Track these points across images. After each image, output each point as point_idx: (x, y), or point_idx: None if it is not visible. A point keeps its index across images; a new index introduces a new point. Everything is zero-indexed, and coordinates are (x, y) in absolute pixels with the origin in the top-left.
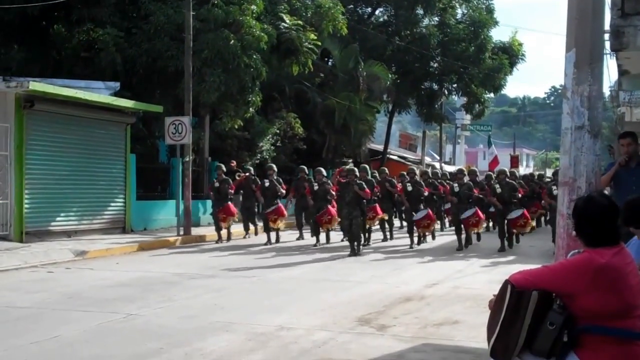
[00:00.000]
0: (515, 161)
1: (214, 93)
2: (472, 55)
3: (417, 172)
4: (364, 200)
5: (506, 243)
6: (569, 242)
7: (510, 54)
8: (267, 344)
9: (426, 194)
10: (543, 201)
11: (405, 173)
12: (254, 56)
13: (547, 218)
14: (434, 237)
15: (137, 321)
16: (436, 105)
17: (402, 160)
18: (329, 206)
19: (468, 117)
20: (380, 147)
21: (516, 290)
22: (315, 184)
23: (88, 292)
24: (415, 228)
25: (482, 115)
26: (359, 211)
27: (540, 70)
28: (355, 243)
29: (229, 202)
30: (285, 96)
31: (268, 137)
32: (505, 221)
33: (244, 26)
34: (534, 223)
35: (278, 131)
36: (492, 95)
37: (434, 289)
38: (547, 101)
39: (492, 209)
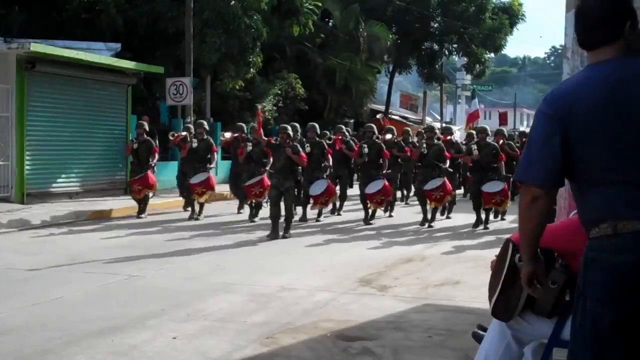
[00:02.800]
0: (503, 118)
1: (214, 54)
2: (472, 15)
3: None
4: (298, 167)
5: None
6: (571, 201)
7: (510, 14)
8: (268, 304)
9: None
10: None
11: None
12: (255, 17)
13: None
14: (390, 210)
15: (138, 283)
16: (437, 66)
17: (404, 121)
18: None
19: (469, 77)
20: (382, 108)
21: (518, 249)
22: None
23: (89, 254)
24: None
25: (482, 75)
26: (292, 181)
27: (540, 30)
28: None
29: (149, 171)
30: (286, 57)
31: (269, 98)
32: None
33: None
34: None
35: (279, 92)
36: (492, 55)
37: (434, 250)
38: (547, 61)
39: (469, 173)
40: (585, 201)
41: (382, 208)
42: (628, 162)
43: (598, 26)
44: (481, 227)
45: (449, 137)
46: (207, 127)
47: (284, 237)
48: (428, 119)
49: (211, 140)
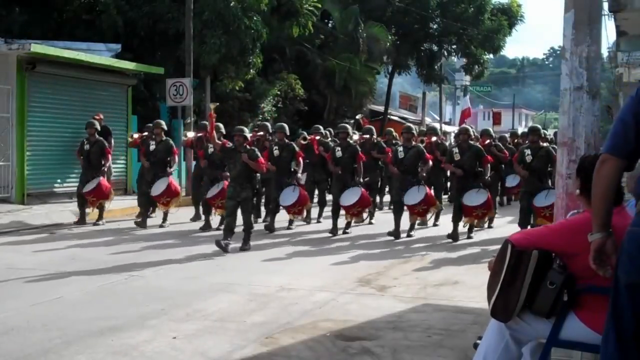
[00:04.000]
0: (497, 118)
1: (214, 55)
2: (471, 16)
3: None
4: (256, 174)
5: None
6: (568, 202)
7: (509, 15)
8: (268, 304)
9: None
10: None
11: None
12: (255, 18)
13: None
14: (370, 217)
15: (138, 283)
16: (436, 67)
17: (403, 121)
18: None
19: (467, 78)
20: (381, 108)
21: (516, 250)
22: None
23: (89, 254)
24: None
25: (481, 76)
26: (250, 190)
27: (538, 32)
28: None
29: (101, 179)
30: (285, 58)
31: (269, 99)
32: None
33: None
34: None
35: (279, 92)
36: (491, 56)
37: (433, 250)
38: (546, 62)
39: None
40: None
41: (360, 220)
42: None
43: None
44: (465, 239)
45: (433, 138)
46: (165, 127)
47: (242, 249)
48: (427, 119)
49: (171, 142)
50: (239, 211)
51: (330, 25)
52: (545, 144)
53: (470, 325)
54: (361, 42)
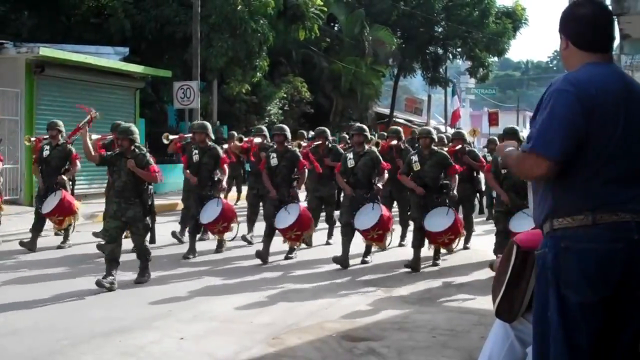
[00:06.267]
0: (493, 118)
1: (221, 58)
2: (476, 19)
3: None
4: (148, 186)
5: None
6: None
7: (513, 19)
8: (274, 305)
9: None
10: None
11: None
12: (261, 21)
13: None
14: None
15: (144, 284)
16: (441, 69)
17: (408, 124)
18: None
19: (472, 80)
20: (387, 111)
21: (522, 251)
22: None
23: (96, 256)
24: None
25: (486, 79)
26: (140, 206)
27: (543, 35)
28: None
29: (62, 192)
30: (292, 61)
31: (275, 101)
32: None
33: None
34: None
35: (285, 95)
36: (495, 59)
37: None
38: (550, 65)
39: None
40: (563, 190)
41: (298, 244)
42: (615, 158)
43: (607, 34)
44: (429, 265)
45: (393, 142)
46: (62, 127)
47: (138, 282)
48: (433, 122)
49: (70, 147)
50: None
51: (336, 28)
52: None
53: (475, 325)
54: (367, 45)
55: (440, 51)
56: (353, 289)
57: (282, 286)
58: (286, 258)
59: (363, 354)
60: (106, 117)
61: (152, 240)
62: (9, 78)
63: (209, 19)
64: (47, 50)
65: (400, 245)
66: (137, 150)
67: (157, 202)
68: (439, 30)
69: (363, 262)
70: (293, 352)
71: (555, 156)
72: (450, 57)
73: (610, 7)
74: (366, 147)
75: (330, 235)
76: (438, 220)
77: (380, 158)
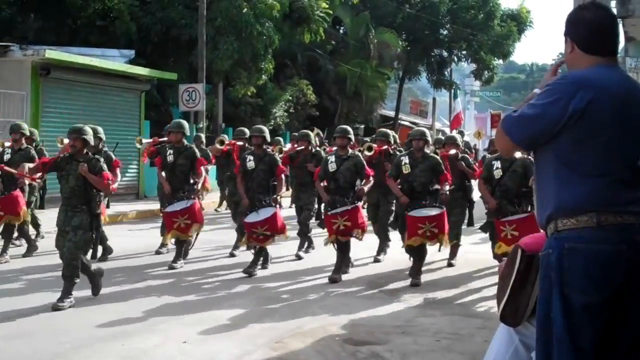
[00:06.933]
0: (496, 120)
1: (227, 60)
2: (481, 22)
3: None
4: (100, 193)
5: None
6: None
7: (518, 21)
8: (277, 309)
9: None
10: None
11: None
12: (267, 24)
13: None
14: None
15: (149, 288)
16: (446, 72)
17: (413, 126)
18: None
19: (477, 83)
20: (392, 113)
21: (526, 255)
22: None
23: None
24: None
25: (491, 82)
26: (86, 215)
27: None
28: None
29: (17, 190)
30: (297, 63)
31: (281, 104)
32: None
33: None
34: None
35: (290, 98)
36: (500, 61)
37: (442, 255)
38: None
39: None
40: (566, 192)
41: (264, 244)
42: (618, 160)
43: (612, 38)
44: (433, 269)
45: (384, 147)
46: (26, 131)
47: (55, 309)
48: (437, 124)
49: (32, 151)
50: None
51: (341, 31)
52: (521, 155)
53: (479, 329)
54: (372, 48)
55: (445, 54)
56: (357, 291)
57: (284, 290)
58: (231, 255)
59: (366, 357)
60: (112, 120)
61: (94, 255)
62: (15, 81)
63: (214, 21)
64: (53, 53)
65: (377, 261)
66: (90, 153)
67: (149, 206)
68: (444, 33)
69: (338, 276)
70: (296, 356)
71: (519, 143)
72: (455, 59)
73: (615, 10)
74: (350, 151)
75: (301, 246)
76: (423, 211)
77: (364, 163)
